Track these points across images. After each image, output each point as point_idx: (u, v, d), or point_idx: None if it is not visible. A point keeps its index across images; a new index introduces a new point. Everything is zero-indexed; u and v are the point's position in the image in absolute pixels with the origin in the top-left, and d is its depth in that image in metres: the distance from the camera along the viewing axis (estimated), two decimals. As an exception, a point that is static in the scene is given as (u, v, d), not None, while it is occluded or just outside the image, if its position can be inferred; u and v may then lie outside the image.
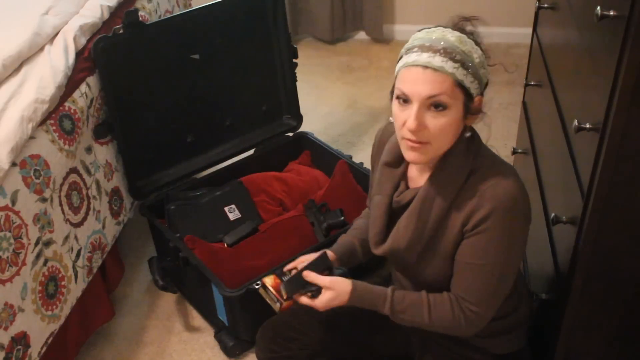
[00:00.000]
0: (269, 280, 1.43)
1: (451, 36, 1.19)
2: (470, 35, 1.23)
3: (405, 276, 1.45)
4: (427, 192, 1.27)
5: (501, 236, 1.23)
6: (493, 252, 1.24)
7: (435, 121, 1.18)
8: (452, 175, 1.25)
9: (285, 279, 1.41)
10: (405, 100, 1.19)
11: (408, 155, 1.23)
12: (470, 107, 1.20)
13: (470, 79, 1.18)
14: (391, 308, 1.32)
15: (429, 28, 1.22)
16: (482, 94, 1.24)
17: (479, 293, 1.28)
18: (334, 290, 1.34)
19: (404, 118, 1.19)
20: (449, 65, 1.15)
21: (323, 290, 1.35)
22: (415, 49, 1.18)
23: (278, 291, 1.40)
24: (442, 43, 1.17)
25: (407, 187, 1.35)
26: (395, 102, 1.22)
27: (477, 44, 1.22)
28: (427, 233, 1.29)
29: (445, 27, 1.22)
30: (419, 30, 1.23)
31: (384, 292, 1.34)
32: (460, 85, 1.17)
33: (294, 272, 1.42)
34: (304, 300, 1.36)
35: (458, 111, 1.19)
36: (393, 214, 1.37)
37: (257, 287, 1.53)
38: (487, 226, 1.22)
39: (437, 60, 1.15)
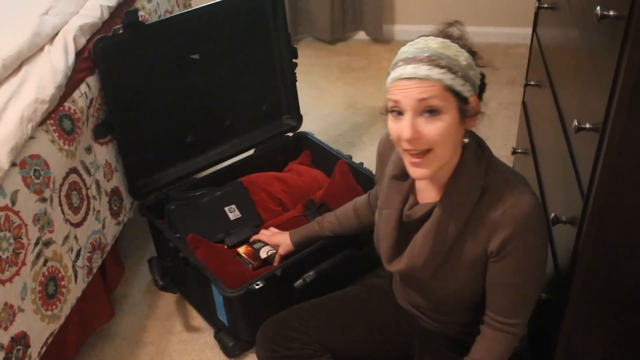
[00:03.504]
0: (242, 249, 1.92)
1: (434, 43, 1.18)
2: (458, 39, 1.22)
3: (416, 291, 1.45)
4: (443, 210, 1.26)
5: (527, 253, 1.25)
6: (523, 269, 1.26)
7: (430, 127, 1.17)
8: (466, 191, 1.25)
9: (255, 246, 1.90)
10: (399, 112, 1.18)
11: (412, 172, 1.22)
12: (466, 109, 1.20)
13: (460, 82, 1.17)
14: None
15: (413, 40, 1.22)
16: (478, 95, 1.23)
17: (517, 307, 1.31)
18: None
19: (399, 130, 1.18)
20: (435, 72, 1.15)
21: None
22: (400, 63, 1.18)
23: (249, 256, 1.89)
24: (425, 52, 1.17)
25: (416, 201, 1.35)
26: (390, 117, 1.21)
27: (462, 46, 1.21)
28: (444, 250, 1.29)
29: (428, 35, 1.21)
30: (404, 45, 1.23)
31: None
32: (450, 89, 1.16)
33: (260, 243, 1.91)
34: None
35: (453, 115, 1.18)
36: (403, 227, 1.36)
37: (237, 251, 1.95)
38: (511, 248, 1.23)
39: (423, 70, 1.15)
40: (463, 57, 1.19)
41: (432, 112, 1.16)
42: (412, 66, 1.16)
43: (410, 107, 1.16)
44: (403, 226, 1.36)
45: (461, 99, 1.18)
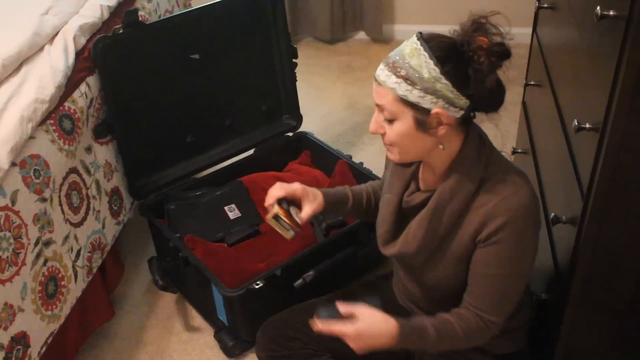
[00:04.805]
0: (280, 211, 1.44)
1: (408, 49, 1.19)
2: (483, 33, 1.20)
3: (410, 277, 1.45)
4: (439, 199, 1.27)
5: (515, 245, 1.24)
6: (507, 262, 1.25)
7: (389, 129, 1.24)
8: (463, 183, 1.25)
9: (286, 207, 1.44)
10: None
11: (387, 154, 1.32)
12: (425, 121, 1.19)
13: (418, 94, 1.17)
14: (438, 336, 1.29)
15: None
16: (447, 108, 1.18)
17: (495, 302, 1.29)
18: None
19: None
20: (391, 81, 1.18)
21: None
22: (383, 61, 1.24)
23: (290, 220, 1.43)
24: (396, 56, 1.19)
25: (418, 188, 1.36)
26: None
27: (480, 47, 1.18)
28: (437, 239, 1.30)
29: (421, 35, 1.20)
30: None
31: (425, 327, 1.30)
32: (403, 100, 1.18)
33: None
34: None
35: (407, 124, 1.21)
36: (402, 213, 1.38)
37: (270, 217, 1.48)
38: (501, 237, 1.23)
39: (383, 75, 1.20)
40: (428, 69, 1.16)
41: (388, 117, 1.23)
42: (380, 68, 1.22)
43: (376, 105, 1.24)
44: (402, 211, 1.38)
45: (420, 110, 1.18)
